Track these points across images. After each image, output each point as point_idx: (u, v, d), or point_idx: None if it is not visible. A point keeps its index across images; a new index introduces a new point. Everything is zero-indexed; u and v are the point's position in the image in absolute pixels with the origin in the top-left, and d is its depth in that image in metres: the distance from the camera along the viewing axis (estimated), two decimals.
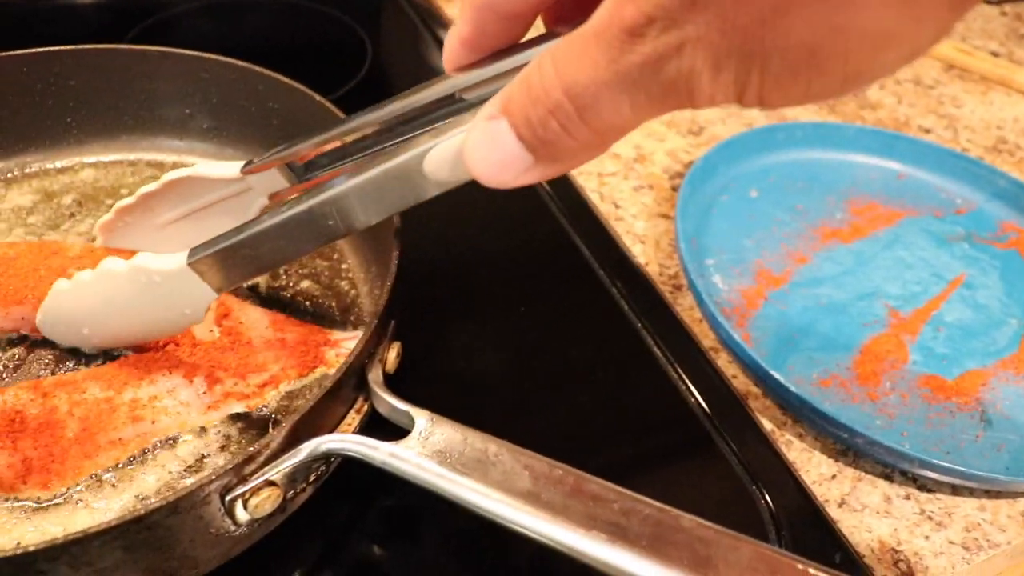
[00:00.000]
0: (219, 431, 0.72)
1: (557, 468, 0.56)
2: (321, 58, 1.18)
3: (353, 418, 0.66)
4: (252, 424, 0.72)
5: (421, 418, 0.61)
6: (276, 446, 0.58)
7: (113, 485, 0.68)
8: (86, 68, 0.91)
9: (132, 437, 0.70)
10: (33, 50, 0.88)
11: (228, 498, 0.56)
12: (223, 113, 0.92)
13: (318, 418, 0.62)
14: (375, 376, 0.65)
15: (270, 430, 0.69)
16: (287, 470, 0.59)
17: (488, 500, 0.55)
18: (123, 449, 0.69)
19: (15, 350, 0.76)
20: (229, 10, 1.27)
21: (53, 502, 0.67)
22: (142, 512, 0.52)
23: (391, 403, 0.63)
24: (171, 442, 0.71)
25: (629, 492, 0.54)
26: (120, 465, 0.69)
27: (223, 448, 0.71)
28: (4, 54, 0.88)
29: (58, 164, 0.92)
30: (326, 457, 0.61)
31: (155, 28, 1.18)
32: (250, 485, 0.56)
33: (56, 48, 0.89)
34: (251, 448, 0.57)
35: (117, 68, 0.91)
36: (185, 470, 0.69)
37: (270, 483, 0.58)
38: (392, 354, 0.69)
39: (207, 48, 0.91)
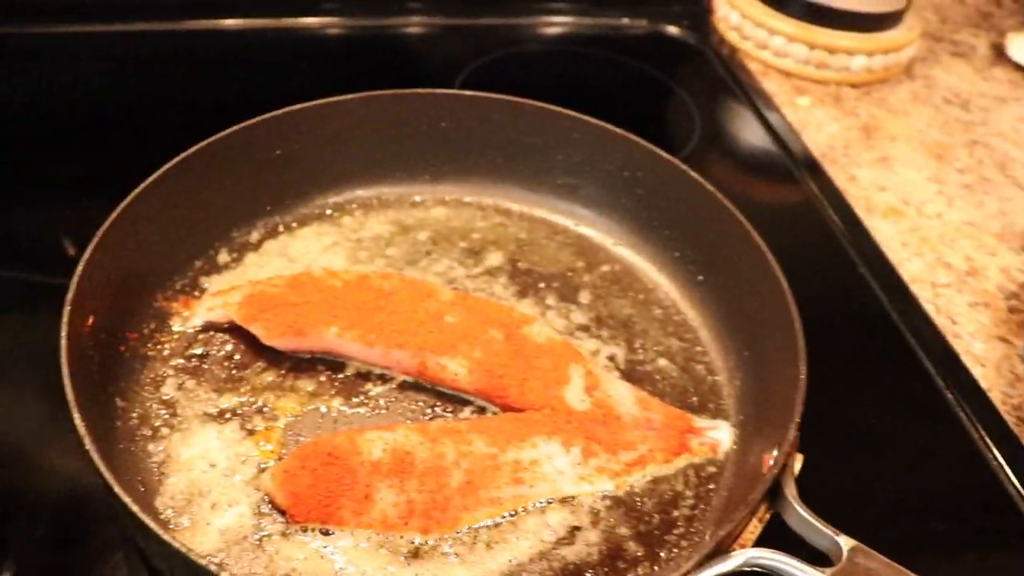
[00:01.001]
0: (586, 504, 0.70)
1: None
2: (650, 125, 1.18)
3: (755, 527, 0.64)
4: (618, 502, 0.71)
5: (846, 545, 0.59)
6: (707, 551, 0.57)
7: (487, 544, 0.68)
8: (455, 112, 0.92)
9: (509, 498, 0.69)
10: (415, 91, 0.91)
11: None
12: (583, 172, 0.92)
13: (736, 527, 0.60)
14: (791, 490, 0.63)
15: (639, 509, 0.68)
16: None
17: None
18: (499, 508, 0.69)
19: (388, 387, 0.77)
20: (545, 62, 1.28)
21: (425, 549, 0.67)
22: None
23: (810, 521, 0.61)
24: (540, 508, 0.70)
25: None
26: (493, 523, 0.69)
27: (594, 524, 0.69)
28: (384, 93, 0.90)
29: (414, 198, 0.93)
30: (748, 569, 0.59)
31: (484, 70, 1.20)
32: None
33: (432, 91, 0.91)
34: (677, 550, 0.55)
35: (484, 115, 0.92)
36: (558, 541, 0.68)
37: None
38: (797, 465, 0.66)
39: (532, 96, 0.92)
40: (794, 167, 1.11)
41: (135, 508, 0.55)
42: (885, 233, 1.05)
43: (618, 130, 0.88)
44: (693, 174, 0.84)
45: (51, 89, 1.15)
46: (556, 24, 1.35)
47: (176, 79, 1.18)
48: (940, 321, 0.96)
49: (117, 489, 0.56)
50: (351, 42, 1.29)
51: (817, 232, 1.03)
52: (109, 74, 1.18)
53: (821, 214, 1.05)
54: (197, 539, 0.65)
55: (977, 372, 0.91)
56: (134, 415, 0.72)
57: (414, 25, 1.31)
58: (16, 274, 0.91)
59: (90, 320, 0.70)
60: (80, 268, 0.69)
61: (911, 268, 1.02)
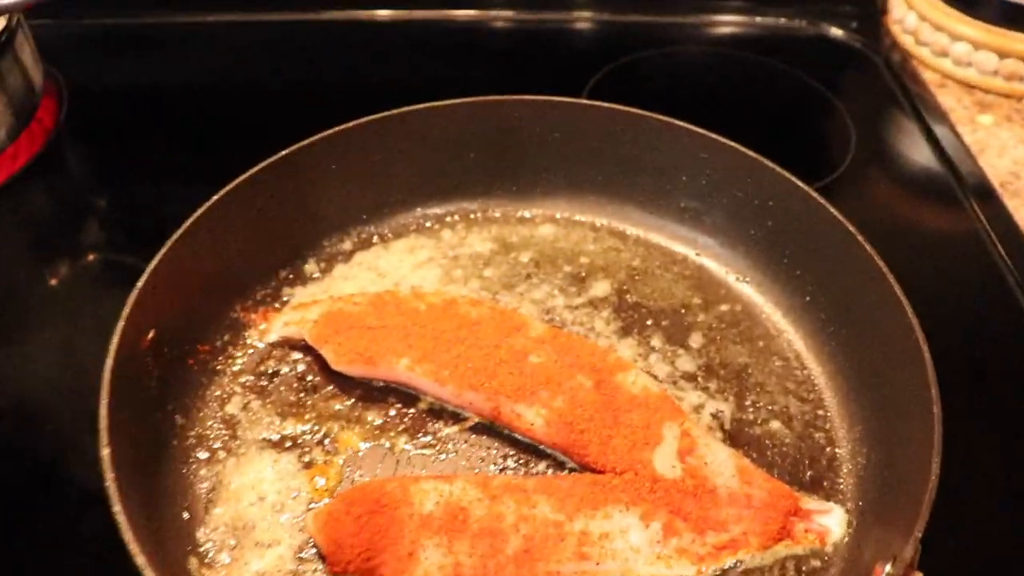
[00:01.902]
0: None
1: None
2: (798, 140, 1.05)
3: None
4: None
5: None
6: None
7: None
8: (571, 121, 0.84)
9: (571, 573, 0.61)
10: (526, 98, 0.83)
11: None
12: (710, 197, 0.82)
13: None
14: None
15: None
16: None
17: None
18: None
19: (460, 428, 0.70)
20: (692, 64, 1.17)
21: None
22: None
23: None
24: None
25: None
26: None
27: None
28: (493, 99, 0.83)
29: (521, 214, 0.86)
30: None
31: (612, 76, 1.10)
32: None
33: (546, 99, 0.83)
34: None
35: (603, 127, 0.84)
36: None
37: None
38: None
39: (663, 106, 0.82)
40: (962, 195, 0.96)
41: None
42: None
43: (751, 153, 0.78)
44: (833, 210, 0.73)
45: (196, 76, 1.14)
46: (704, 24, 1.23)
47: (310, 68, 1.15)
48: None
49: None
50: (478, 36, 1.22)
51: (982, 273, 0.88)
52: (262, 61, 1.17)
53: (989, 253, 0.89)
54: None
55: None
56: (192, 434, 0.69)
57: (550, 19, 1.22)
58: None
59: (150, 335, 0.67)
60: (141, 282, 0.66)
61: None
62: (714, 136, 0.79)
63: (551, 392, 0.68)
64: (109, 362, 0.61)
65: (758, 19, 1.22)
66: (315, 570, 0.62)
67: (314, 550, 0.63)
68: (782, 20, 1.22)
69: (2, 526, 0.68)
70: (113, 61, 1.15)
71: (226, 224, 0.74)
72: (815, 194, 0.75)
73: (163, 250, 0.68)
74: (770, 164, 0.77)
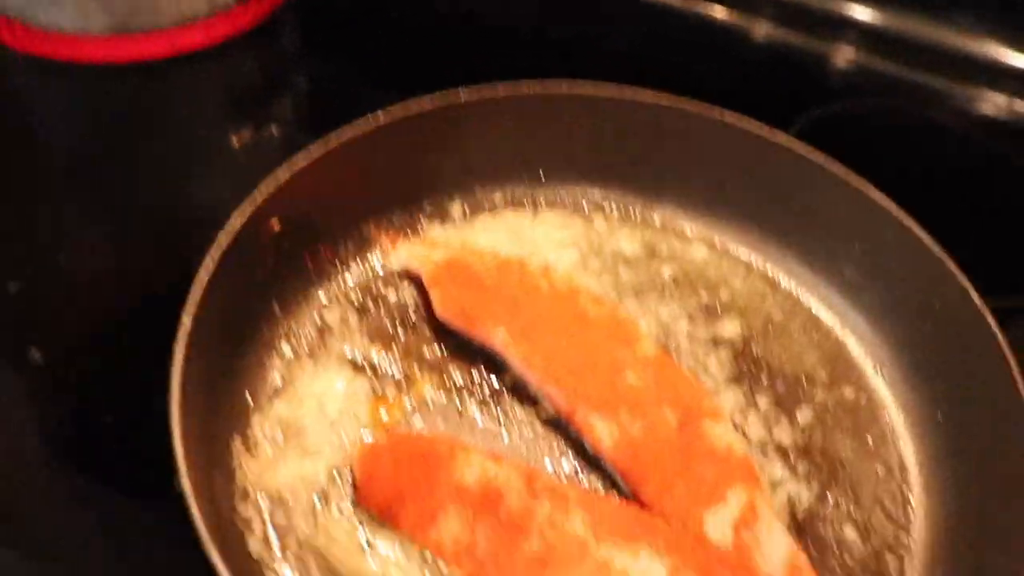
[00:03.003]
0: None
1: None
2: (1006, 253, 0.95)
3: None
4: None
5: None
6: None
7: None
8: (761, 152, 0.79)
9: None
10: (729, 117, 0.78)
11: None
12: (877, 276, 0.75)
13: None
14: None
15: None
16: None
17: None
18: None
19: (534, 414, 0.69)
20: (938, 136, 1.07)
21: None
22: None
23: None
24: None
25: None
26: None
27: None
28: (701, 107, 0.79)
29: (680, 227, 0.83)
30: None
31: (825, 121, 1.01)
32: None
33: (749, 127, 0.78)
34: None
35: (791, 167, 0.78)
36: None
37: None
38: None
39: (881, 168, 0.75)
40: None
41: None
42: None
43: (935, 247, 0.71)
44: (1000, 338, 0.66)
45: None
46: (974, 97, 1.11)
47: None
48: None
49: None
50: (729, 37, 1.16)
51: None
52: None
53: None
54: (266, 473, 0.63)
55: None
56: (283, 328, 0.71)
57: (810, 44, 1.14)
58: None
59: (277, 226, 0.68)
60: (288, 166, 0.67)
61: None
62: (903, 216, 0.72)
63: (631, 415, 0.66)
64: (224, 242, 0.62)
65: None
66: (342, 495, 0.63)
67: (349, 476, 0.63)
68: None
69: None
70: None
71: (391, 140, 0.74)
72: (988, 315, 0.67)
73: (322, 147, 0.69)
74: (951, 266, 0.70)
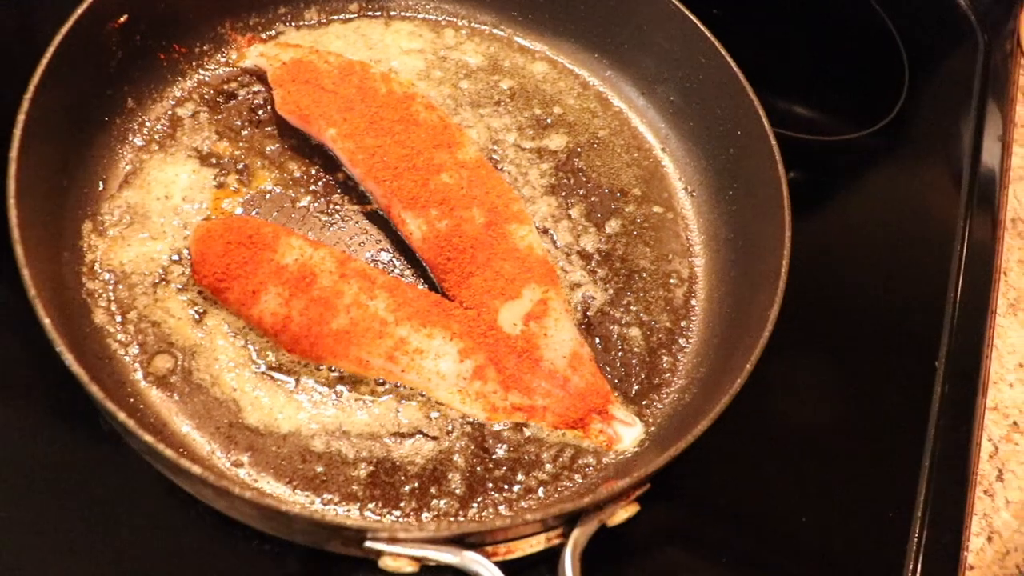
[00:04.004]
0: (448, 418, 0.67)
1: None
2: (849, 75, 1.01)
3: (536, 542, 0.60)
4: (476, 436, 0.67)
5: None
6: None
7: (336, 392, 0.66)
8: None
9: (377, 367, 0.68)
10: None
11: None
12: (698, 104, 0.82)
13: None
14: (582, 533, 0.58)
15: (491, 448, 0.66)
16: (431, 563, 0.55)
17: None
18: (364, 370, 0.68)
19: (361, 209, 0.76)
20: None
21: (282, 362, 0.67)
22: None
23: None
24: (406, 394, 0.68)
25: None
26: (357, 377, 0.68)
27: (437, 440, 0.66)
28: None
29: (525, 43, 0.88)
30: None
31: None
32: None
33: None
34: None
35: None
36: (394, 433, 0.66)
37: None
38: (621, 514, 0.60)
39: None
40: (967, 195, 0.93)
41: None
42: None
43: (740, 77, 0.77)
44: (780, 165, 0.73)
45: None
46: None
47: None
48: None
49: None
50: None
51: None
52: None
53: None
54: (112, 252, 0.69)
55: None
56: (136, 120, 0.76)
57: None
58: None
59: (122, 18, 0.72)
60: None
61: None
62: (717, 44, 0.78)
63: (441, 212, 0.72)
64: (64, 29, 0.66)
65: None
66: (180, 273, 0.70)
67: (188, 258, 0.70)
68: None
69: None
70: None
71: None
72: (773, 140, 0.74)
73: None
74: (753, 97, 0.76)
